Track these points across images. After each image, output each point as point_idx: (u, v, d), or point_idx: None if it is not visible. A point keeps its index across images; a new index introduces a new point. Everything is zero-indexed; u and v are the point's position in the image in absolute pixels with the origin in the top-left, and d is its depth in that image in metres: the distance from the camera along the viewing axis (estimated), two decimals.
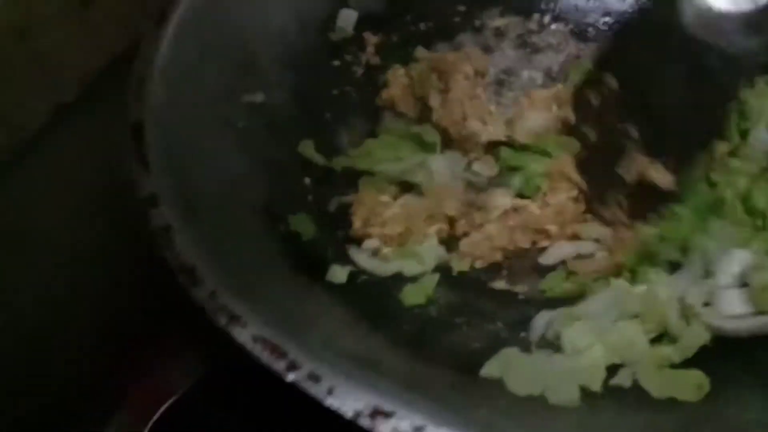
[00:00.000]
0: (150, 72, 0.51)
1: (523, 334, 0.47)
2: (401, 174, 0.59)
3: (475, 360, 0.43)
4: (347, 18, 0.67)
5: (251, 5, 0.61)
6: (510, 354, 0.43)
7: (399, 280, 0.52)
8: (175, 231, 0.41)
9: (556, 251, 0.54)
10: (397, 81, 0.67)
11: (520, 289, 0.53)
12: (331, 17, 0.67)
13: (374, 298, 0.50)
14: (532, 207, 0.55)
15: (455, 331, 0.47)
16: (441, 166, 0.59)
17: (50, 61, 0.54)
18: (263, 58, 0.61)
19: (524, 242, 0.55)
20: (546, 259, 0.54)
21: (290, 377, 0.33)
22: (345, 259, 0.52)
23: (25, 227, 0.56)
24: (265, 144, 0.56)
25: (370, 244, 0.54)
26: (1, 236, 0.55)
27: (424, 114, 0.62)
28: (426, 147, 0.60)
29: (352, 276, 0.50)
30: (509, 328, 0.48)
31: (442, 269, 0.54)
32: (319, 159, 0.58)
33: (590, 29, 0.70)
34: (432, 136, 0.60)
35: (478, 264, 0.55)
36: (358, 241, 0.55)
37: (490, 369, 0.41)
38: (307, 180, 0.58)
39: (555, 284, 0.51)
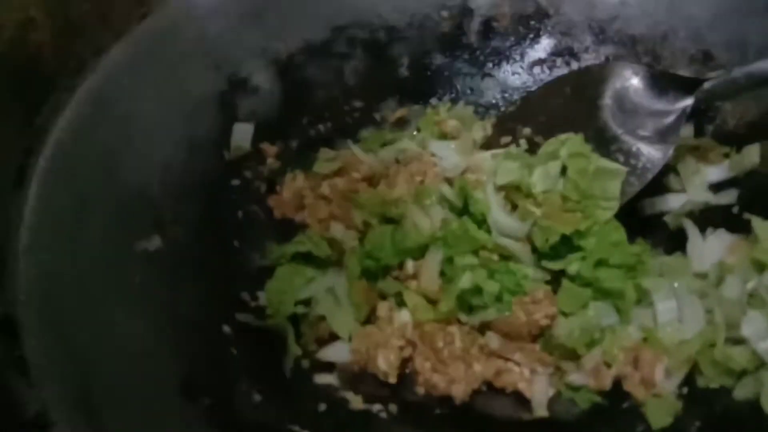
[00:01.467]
0: (11, 250, 0.43)
1: None
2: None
3: None
4: (243, 132, 0.62)
5: (128, 137, 0.54)
6: None
7: None
8: None
9: None
10: (291, 185, 0.61)
11: None
12: (222, 135, 0.61)
13: None
14: None
15: None
16: None
17: None
18: (152, 196, 0.54)
19: None
20: None
21: None
22: None
23: None
24: (168, 301, 0.49)
25: None
26: None
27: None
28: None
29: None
30: None
31: None
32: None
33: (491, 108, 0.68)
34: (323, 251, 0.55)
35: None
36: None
37: None
38: (227, 329, 0.50)
39: None
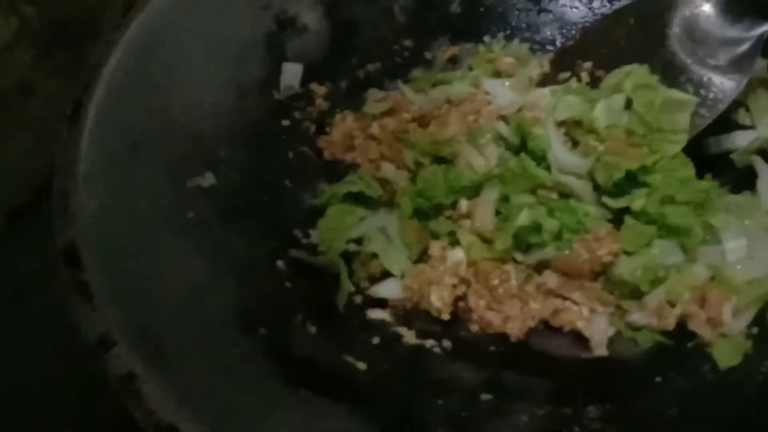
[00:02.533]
0: (71, 182, 0.43)
1: None
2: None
3: None
4: (292, 72, 0.61)
5: (179, 79, 0.54)
6: None
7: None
8: (140, 379, 0.33)
9: None
10: (340, 126, 0.60)
11: None
12: (271, 76, 0.60)
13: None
14: None
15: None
16: None
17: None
18: (203, 135, 0.53)
19: None
20: None
21: None
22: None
23: None
24: (222, 236, 0.49)
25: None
26: None
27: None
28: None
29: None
30: None
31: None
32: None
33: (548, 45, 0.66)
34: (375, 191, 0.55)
35: None
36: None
37: None
38: (281, 264, 0.50)
39: None
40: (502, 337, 0.48)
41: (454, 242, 0.53)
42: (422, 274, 0.51)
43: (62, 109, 0.53)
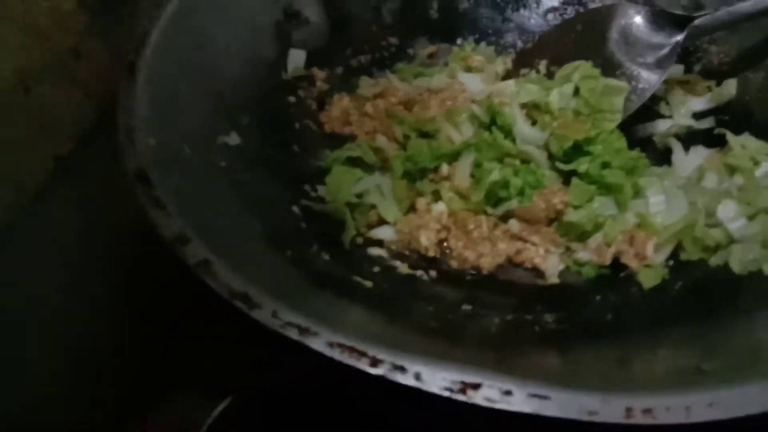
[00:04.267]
0: (135, 121, 0.52)
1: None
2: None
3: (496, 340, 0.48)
4: (297, 57, 0.71)
5: (208, 50, 0.63)
6: None
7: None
8: (214, 263, 0.42)
9: None
10: (338, 105, 0.71)
11: None
12: (280, 58, 0.70)
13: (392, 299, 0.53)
14: None
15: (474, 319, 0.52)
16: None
17: (46, 115, 0.53)
18: (228, 101, 0.63)
19: None
20: None
21: (376, 371, 0.36)
22: None
23: (32, 279, 0.53)
24: (248, 180, 0.58)
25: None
26: (7, 289, 0.52)
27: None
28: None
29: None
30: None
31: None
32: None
33: (510, 48, 0.79)
34: (370, 157, 0.66)
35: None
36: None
37: None
38: (296, 209, 0.60)
39: None
40: (476, 270, 0.60)
41: (437, 199, 0.64)
42: (412, 221, 0.62)
43: (107, 70, 0.61)
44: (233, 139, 0.61)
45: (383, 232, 0.62)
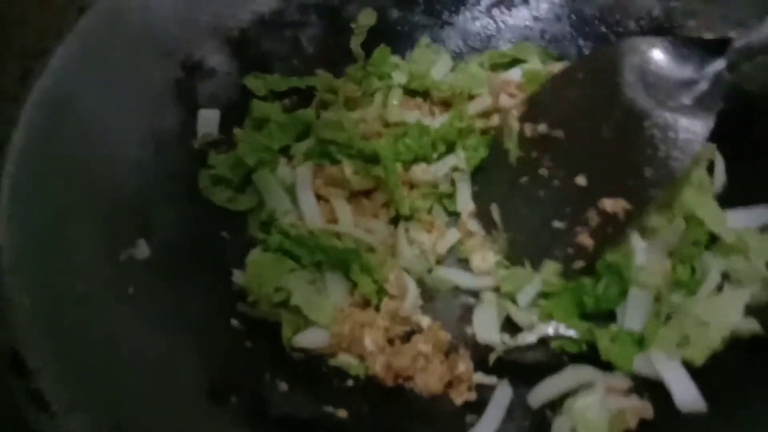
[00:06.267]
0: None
1: None
2: None
3: None
4: (208, 119, 0.59)
5: (91, 140, 0.51)
6: None
7: None
8: None
9: None
10: None
11: None
12: (187, 125, 0.58)
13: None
14: None
15: None
16: None
17: None
18: (130, 199, 0.51)
19: None
20: None
21: None
22: None
23: None
24: (171, 303, 0.46)
25: None
26: None
27: None
28: None
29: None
30: None
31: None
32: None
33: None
34: None
35: None
36: None
37: None
38: (235, 322, 0.48)
39: None
40: None
41: None
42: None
43: None
44: (141, 250, 0.49)
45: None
